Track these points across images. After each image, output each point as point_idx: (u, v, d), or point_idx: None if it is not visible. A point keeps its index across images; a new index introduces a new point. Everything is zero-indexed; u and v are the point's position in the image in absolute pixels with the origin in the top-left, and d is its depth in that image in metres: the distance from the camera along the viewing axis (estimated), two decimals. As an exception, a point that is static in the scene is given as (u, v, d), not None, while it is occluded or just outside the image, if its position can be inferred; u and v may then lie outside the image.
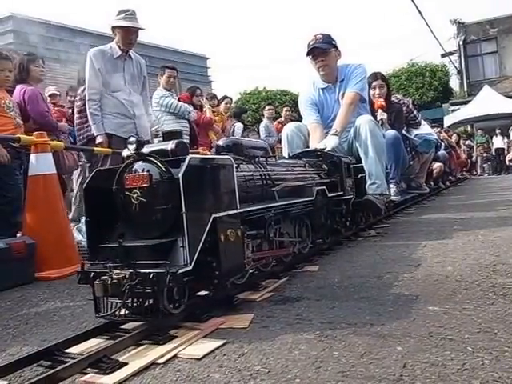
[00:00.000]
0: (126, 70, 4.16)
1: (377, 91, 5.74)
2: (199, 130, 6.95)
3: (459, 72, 25.70)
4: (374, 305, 2.05)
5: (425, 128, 6.67)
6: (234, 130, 8.52)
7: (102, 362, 1.57)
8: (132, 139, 2.02)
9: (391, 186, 5.35)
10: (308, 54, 4.52)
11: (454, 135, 14.05)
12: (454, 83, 26.83)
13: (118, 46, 4.23)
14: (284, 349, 1.64)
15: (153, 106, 5.81)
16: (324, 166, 3.68)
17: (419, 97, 24.80)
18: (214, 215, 2.02)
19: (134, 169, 2.06)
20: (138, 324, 1.96)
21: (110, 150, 4.24)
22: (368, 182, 4.22)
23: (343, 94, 4.50)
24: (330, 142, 4.04)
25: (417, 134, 6.40)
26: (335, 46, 4.53)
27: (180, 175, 1.87)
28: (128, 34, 4.08)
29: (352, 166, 4.00)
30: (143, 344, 1.78)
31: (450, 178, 11.13)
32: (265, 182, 2.69)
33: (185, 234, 1.86)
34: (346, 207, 3.85)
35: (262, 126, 9.75)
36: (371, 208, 4.19)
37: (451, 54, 25.45)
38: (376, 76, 5.81)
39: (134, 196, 2.02)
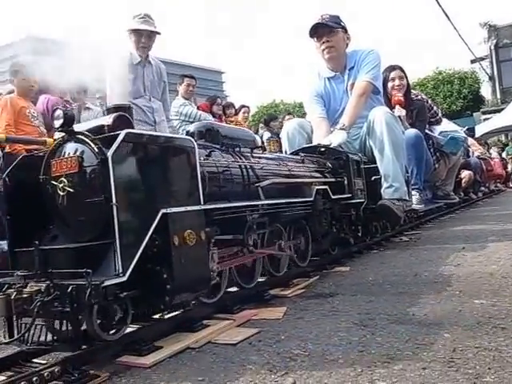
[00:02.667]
0: (146, 76, 4.02)
1: (396, 82, 5.04)
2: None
3: (491, 78, 24.51)
4: (414, 299, 1.99)
5: (449, 126, 5.96)
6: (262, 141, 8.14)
7: (138, 345, 1.56)
8: (58, 112, 1.58)
9: (413, 193, 4.69)
10: (312, 35, 3.92)
11: (482, 143, 13.05)
12: (486, 90, 25.64)
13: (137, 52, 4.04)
14: (322, 336, 1.62)
15: (172, 114, 5.60)
16: (328, 164, 3.16)
17: (447, 106, 23.82)
18: (163, 211, 1.55)
19: (62, 152, 1.62)
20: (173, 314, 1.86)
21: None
22: (384, 184, 3.60)
23: (353, 83, 3.90)
24: (336, 138, 3.49)
25: (441, 132, 5.60)
26: (344, 28, 3.94)
27: (109, 154, 1.42)
28: (139, 37, 3.91)
29: (363, 165, 3.46)
30: (177, 331, 1.75)
31: (483, 188, 10.28)
32: (246, 176, 2.21)
33: (116, 234, 1.40)
34: (356, 213, 3.31)
35: (282, 134, 9.29)
36: (388, 215, 3.58)
37: (482, 59, 24.29)
38: (394, 67, 5.10)
39: (60, 186, 1.58)
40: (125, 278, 1.40)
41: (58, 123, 1.58)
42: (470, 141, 10.03)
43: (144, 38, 3.89)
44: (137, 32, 3.87)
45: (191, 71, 9.02)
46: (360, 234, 3.63)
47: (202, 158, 1.95)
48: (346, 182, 3.20)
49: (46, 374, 1.32)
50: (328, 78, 4.14)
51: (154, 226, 1.51)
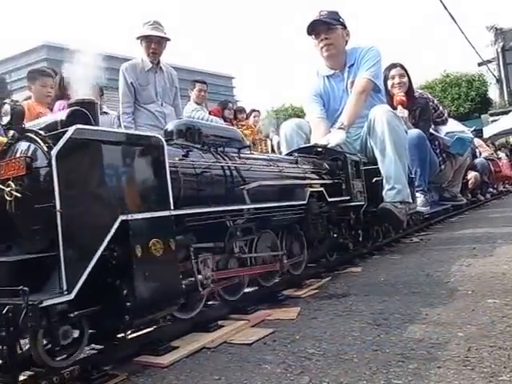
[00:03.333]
0: (158, 82, 4.10)
1: (396, 80, 4.80)
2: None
3: (498, 81, 24.36)
4: (427, 298, 1.99)
5: (456, 126, 5.68)
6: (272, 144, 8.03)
7: (155, 345, 1.57)
8: (5, 108, 1.39)
9: (417, 195, 4.45)
10: (310, 33, 3.72)
11: (489, 144, 12.74)
12: (494, 93, 25.47)
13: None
14: (337, 335, 1.62)
15: None
16: (325, 165, 2.96)
17: (455, 108, 23.71)
18: (122, 217, 1.36)
19: (13, 152, 1.44)
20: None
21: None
22: (386, 186, 3.39)
23: (353, 81, 3.69)
24: (334, 138, 3.28)
25: (447, 133, 5.31)
26: (343, 25, 3.74)
27: (53, 153, 1.23)
28: (149, 43, 3.97)
29: (363, 166, 3.25)
30: (192, 331, 1.76)
31: (491, 190, 9.97)
32: (230, 178, 2.01)
33: (60, 246, 1.21)
34: (356, 217, 3.10)
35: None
36: (389, 219, 3.37)
37: (489, 62, 24.16)
38: (394, 65, 4.86)
39: (7, 190, 1.39)
40: (71, 297, 1.20)
41: (5, 120, 1.40)
42: (478, 142, 9.76)
43: (154, 43, 3.93)
44: (147, 38, 3.94)
45: (202, 77, 9.10)
46: (361, 239, 3.44)
47: (176, 159, 1.76)
48: (344, 183, 2.99)
49: (65, 374, 1.32)
50: (327, 77, 3.94)
51: (110, 235, 1.32)
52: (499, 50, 23.99)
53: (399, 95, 4.67)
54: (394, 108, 4.66)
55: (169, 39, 4.02)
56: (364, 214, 3.25)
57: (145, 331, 1.70)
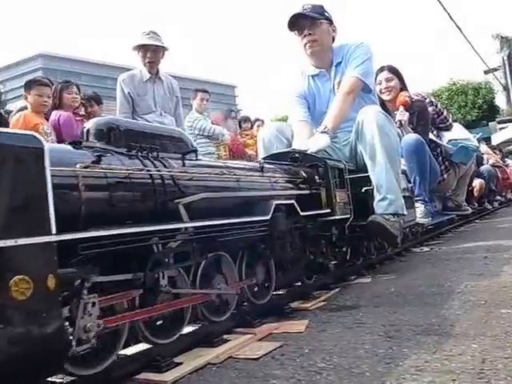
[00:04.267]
0: (156, 92, 4.10)
1: (383, 85, 4.41)
2: (234, 152, 6.43)
3: (505, 88, 24.13)
4: (439, 309, 1.95)
5: (461, 132, 5.24)
6: None
7: (157, 362, 1.48)
8: None
9: (417, 205, 4.07)
10: (292, 28, 3.35)
11: (496, 151, 12.27)
12: (501, 100, 25.27)
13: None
14: (347, 348, 1.57)
15: (186, 129, 5.57)
16: (301, 173, 2.53)
17: (462, 116, 23.53)
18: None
19: None
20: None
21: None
22: (376, 197, 2.97)
23: (340, 81, 3.31)
24: (316, 143, 2.87)
25: (450, 140, 4.87)
26: (329, 19, 3.36)
27: None
28: (145, 53, 3.97)
29: (348, 174, 2.83)
30: (196, 346, 1.68)
31: (499, 198, 9.47)
32: (161, 189, 1.60)
33: None
34: (339, 232, 2.67)
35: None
36: (381, 233, 2.94)
37: (495, 70, 23.95)
38: (382, 68, 4.45)
39: None
40: None
41: None
42: (484, 148, 9.31)
43: (150, 52, 3.92)
44: (143, 47, 3.95)
45: (204, 86, 9.16)
46: (348, 257, 3.03)
47: (78, 166, 1.36)
48: (324, 194, 2.58)
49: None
50: (312, 76, 3.53)
51: None
52: (505, 57, 23.96)
53: (403, 95, 4.26)
54: (392, 109, 4.27)
55: (166, 48, 3.97)
56: (351, 229, 2.84)
57: (146, 347, 1.60)
